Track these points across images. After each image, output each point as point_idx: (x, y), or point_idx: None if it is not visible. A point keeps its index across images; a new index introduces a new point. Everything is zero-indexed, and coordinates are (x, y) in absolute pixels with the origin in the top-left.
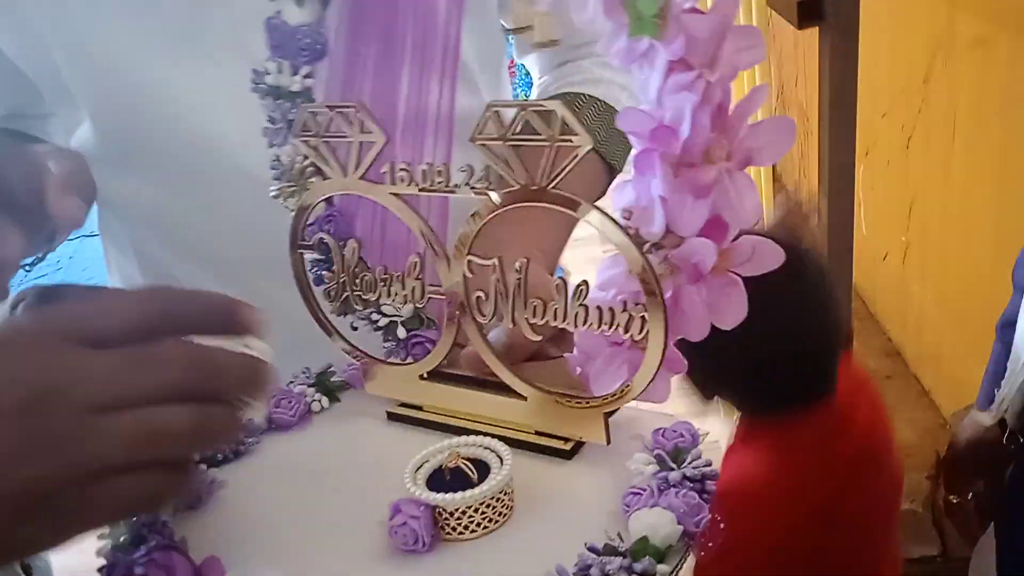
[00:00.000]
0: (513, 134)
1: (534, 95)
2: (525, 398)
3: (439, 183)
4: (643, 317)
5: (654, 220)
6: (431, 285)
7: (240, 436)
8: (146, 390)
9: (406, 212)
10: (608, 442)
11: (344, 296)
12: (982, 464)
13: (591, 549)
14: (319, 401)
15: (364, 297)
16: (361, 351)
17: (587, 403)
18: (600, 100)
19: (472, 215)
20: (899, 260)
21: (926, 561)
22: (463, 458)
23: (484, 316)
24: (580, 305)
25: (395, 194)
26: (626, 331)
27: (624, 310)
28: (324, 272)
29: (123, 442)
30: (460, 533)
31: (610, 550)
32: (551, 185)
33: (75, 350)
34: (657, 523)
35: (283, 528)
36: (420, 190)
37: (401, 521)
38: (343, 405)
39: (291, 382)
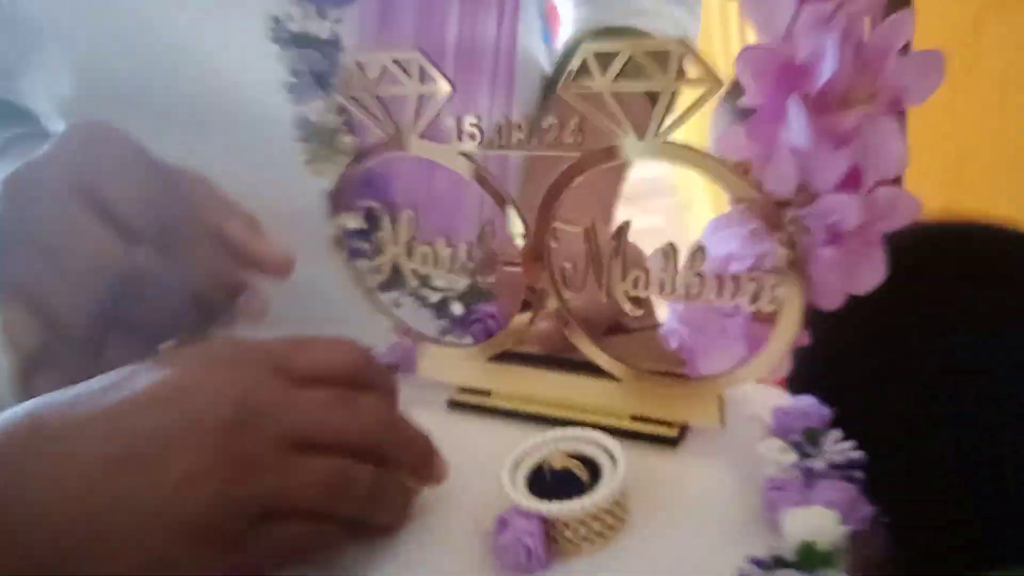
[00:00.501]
0: (616, 78)
1: (568, 31)
2: (619, 379)
3: (519, 139)
4: (774, 286)
5: (786, 174)
6: (504, 256)
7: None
8: (343, 437)
9: (477, 174)
10: (723, 425)
11: (395, 270)
12: None
13: (756, 562)
14: None
15: (420, 271)
16: (416, 331)
17: (699, 381)
18: (647, 32)
19: (561, 176)
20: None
21: None
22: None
23: (572, 289)
24: (695, 275)
25: (465, 154)
26: (753, 301)
27: (752, 279)
28: (363, 244)
29: (315, 487)
30: (577, 546)
31: (778, 562)
32: (664, 135)
33: (281, 380)
34: (820, 524)
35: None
36: (499, 148)
37: (513, 537)
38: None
39: None
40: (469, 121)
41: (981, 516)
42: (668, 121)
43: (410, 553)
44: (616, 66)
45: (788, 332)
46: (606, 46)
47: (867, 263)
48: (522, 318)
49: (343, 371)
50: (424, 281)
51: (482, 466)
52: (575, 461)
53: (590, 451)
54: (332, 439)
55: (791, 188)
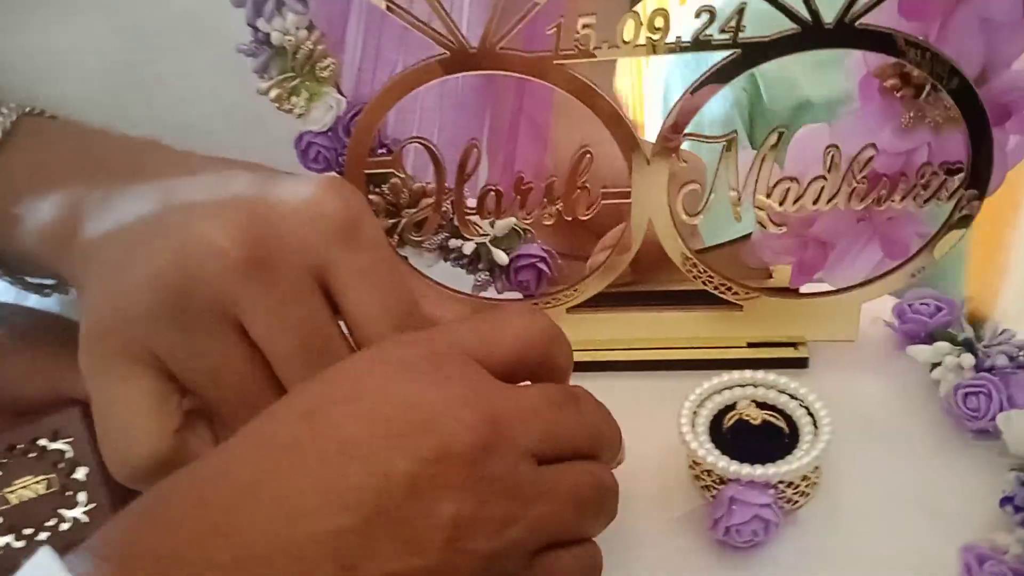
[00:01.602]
0: None
1: None
2: (738, 305)
3: (651, 39)
4: (953, 179)
5: (973, 51)
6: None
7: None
8: (579, 443)
9: (580, 88)
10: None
11: (449, 223)
12: None
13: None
14: None
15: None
16: (467, 294)
17: (838, 295)
18: None
19: (707, 79)
20: None
21: None
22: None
23: (694, 215)
24: (862, 178)
25: (563, 65)
26: (926, 201)
27: (932, 174)
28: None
29: (577, 504)
30: (796, 504)
31: None
32: (856, 20)
33: (495, 380)
34: None
35: None
36: (621, 52)
37: (749, 513)
38: None
39: None
40: (582, 22)
41: None
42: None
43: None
44: None
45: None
46: None
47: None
48: (623, 259)
49: (540, 352)
50: (454, 231)
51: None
52: (769, 410)
53: (765, 396)
54: (569, 446)
55: (977, 69)
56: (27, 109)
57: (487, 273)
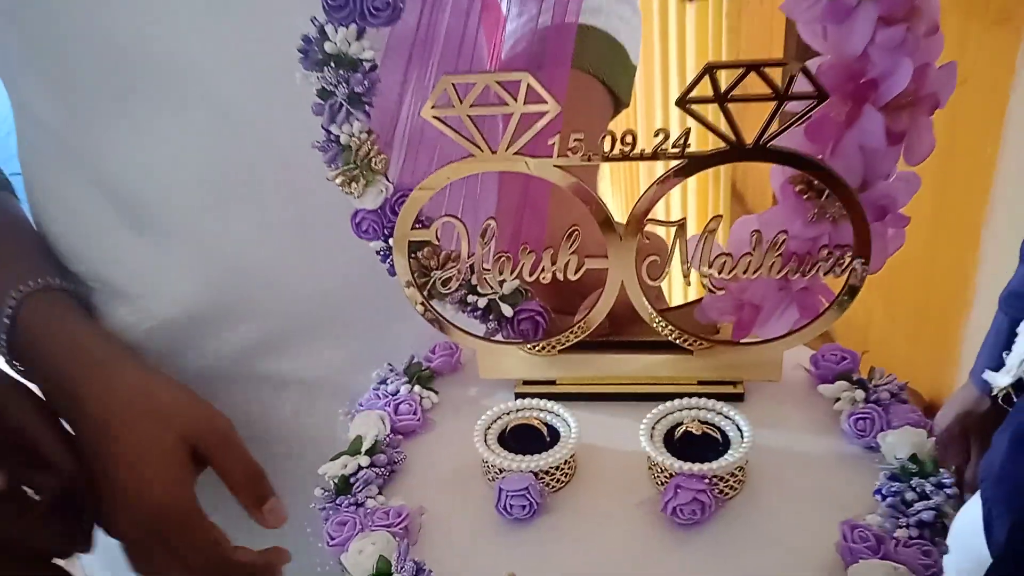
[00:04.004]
0: (731, 94)
1: (514, 25)
2: (689, 351)
3: (623, 150)
4: (845, 256)
5: (855, 168)
6: (591, 254)
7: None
8: None
9: (575, 185)
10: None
11: (467, 281)
12: (973, 434)
13: (893, 478)
14: (428, 398)
15: (494, 278)
16: (482, 337)
17: (763, 346)
18: (601, 30)
19: (661, 180)
20: None
21: None
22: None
23: (653, 278)
24: (778, 255)
25: (560, 166)
26: (826, 273)
27: (830, 254)
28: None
29: None
30: (726, 495)
31: (908, 472)
32: (768, 142)
33: None
34: (915, 441)
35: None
36: (606, 158)
37: (689, 496)
38: (446, 395)
39: (384, 380)
40: (574, 136)
41: None
42: (771, 130)
43: (587, 519)
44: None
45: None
46: (726, 65)
47: (896, 233)
48: (601, 311)
49: None
50: (471, 289)
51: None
52: (708, 425)
53: (707, 417)
54: None
55: (858, 180)
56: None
57: (496, 323)
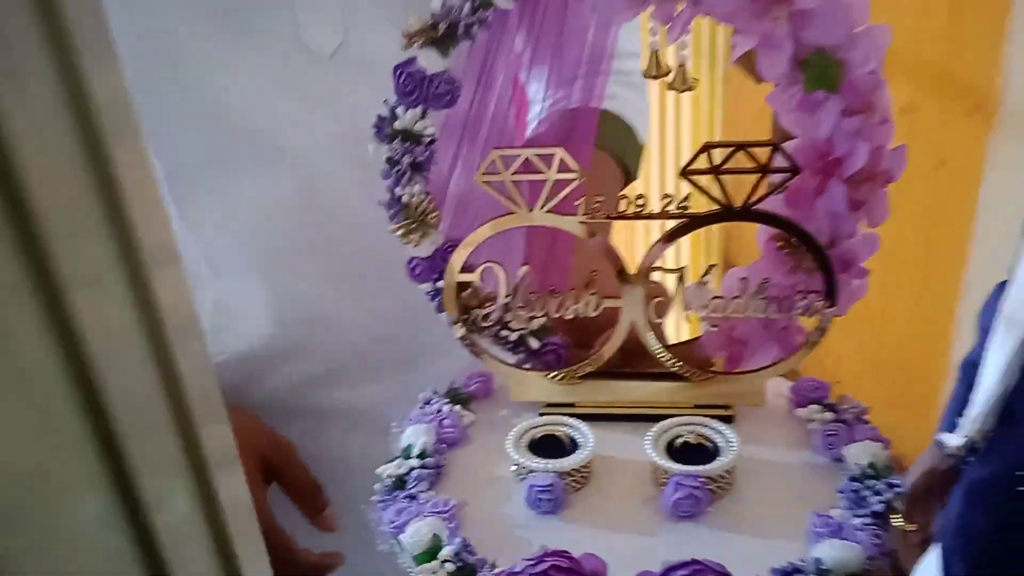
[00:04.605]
0: (724, 167)
1: (539, 107)
2: (687, 379)
3: (637, 211)
4: (817, 300)
5: (823, 230)
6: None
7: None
8: None
9: (593, 236)
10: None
11: (502, 318)
12: (936, 490)
13: (853, 479)
14: (466, 416)
15: (525, 315)
16: (513, 365)
17: (749, 375)
18: (614, 114)
19: (668, 235)
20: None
21: None
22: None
23: (660, 315)
24: (762, 298)
25: (584, 223)
26: (802, 314)
27: (804, 298)
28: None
29: None
30: (717, 495)
31: (866, 475)
32: (753, 206)
33: None
34: (874, 451)
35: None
36: (618, 216)
37: (687, 492)
38: (481, 415)
39: (428, 401)
40: (596, 199)
41: None
42: (755, 196)
43: (601, 514)
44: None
45: (815, 336)
46: (720, 144)
47: (859, 283)
48: (614, 344)
49: None
50: (504, 324)
51: (612, 453)
52: (702, 437)
53: (703, 431)
54: None
55: (827, 239)
56: None
57: (525, 354)
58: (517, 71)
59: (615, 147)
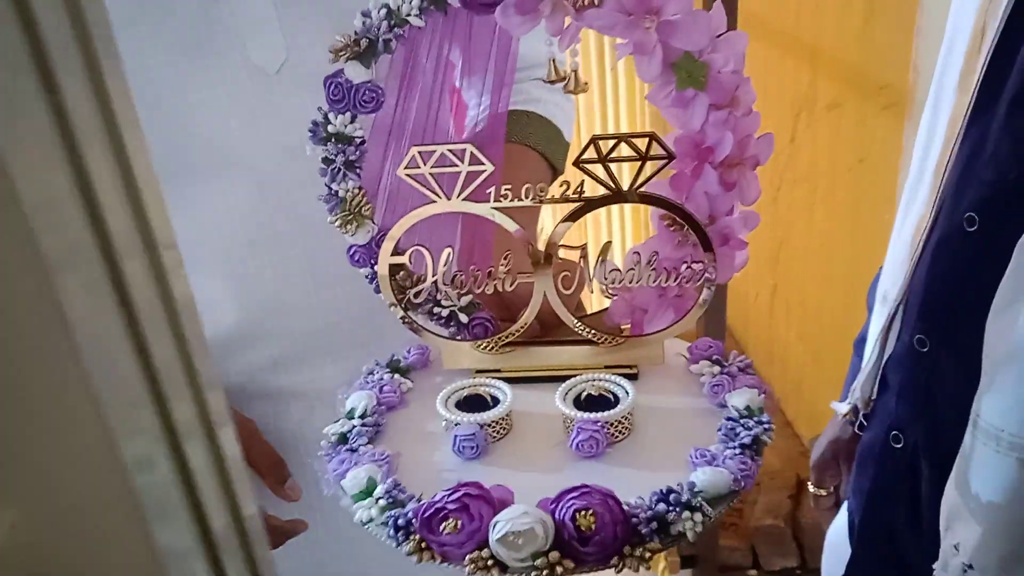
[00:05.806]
0: (610, 156)
1: (475, 112)
2: (597, 343)
3: (539, 196)
4: (700, 270)
5: (701, 208)
6: (520, 271)
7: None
8: None
9: (505, 220)
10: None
11: (435, 296)
12: (842, 456)
13: (730, 419)
14: (405, 384)
15: (451, 293)
16: (446, 337)
17: (649, 337)
18: (541, 116)
19: (568, 217)
20: (767, 300)
21: (787, 572)
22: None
23: (566, 287)
24: (652, 269)
25: (496, 209)
26: (687, 282)
27: (689, 267)
28: (404, 277)
29: None
30: (615, 438)
31: (741, 416)
32: (638, 189)
33: None
34: (750, 398)
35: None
36: (526, 203)
37: (588, 435)
38: (418, 383)
39: (371, 371)
40: (504, 187)
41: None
42: (639, 180)
43: (517, 457)
44: (613, 148)
45: (703, 301)
46: (605, 137)
47: (740, 254)
48: (531, 315)
49: None
50: (436, 302)
51: (530, 409)
52: (604, 389)
53: (602, 384)
54: None
55: (705, 216)
56: None
57: (456, 327)
58: (453, 79)
59: (538, 143)
